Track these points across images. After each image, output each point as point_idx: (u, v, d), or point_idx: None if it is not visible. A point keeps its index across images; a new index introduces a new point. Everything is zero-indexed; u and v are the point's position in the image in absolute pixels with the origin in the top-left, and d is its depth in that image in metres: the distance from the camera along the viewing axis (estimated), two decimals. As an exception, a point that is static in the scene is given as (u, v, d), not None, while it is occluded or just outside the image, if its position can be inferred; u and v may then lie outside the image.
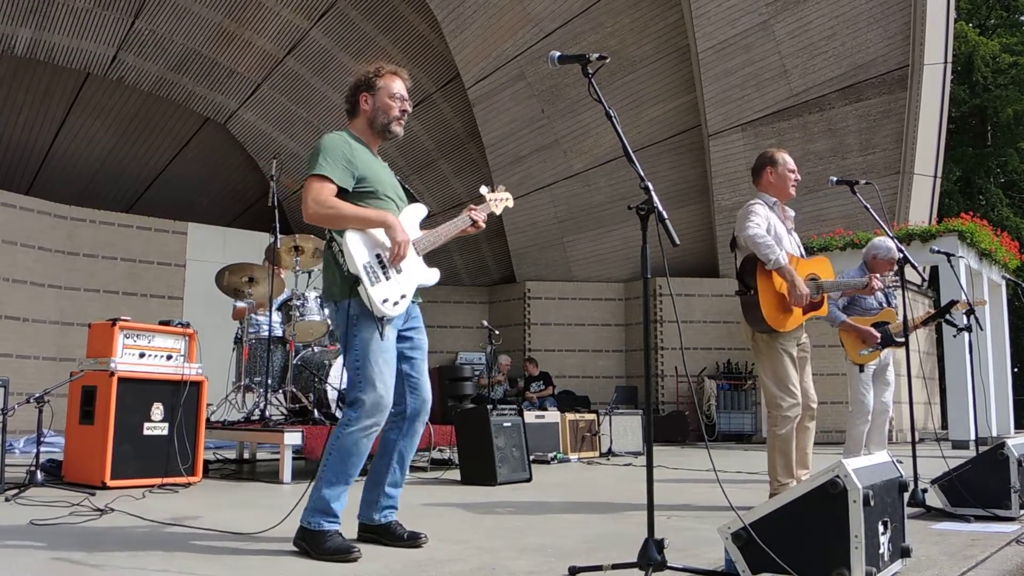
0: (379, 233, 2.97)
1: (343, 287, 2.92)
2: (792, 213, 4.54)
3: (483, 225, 3.31)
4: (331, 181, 2.91)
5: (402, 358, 3.07)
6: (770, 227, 4.22)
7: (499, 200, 3.53)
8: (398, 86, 3.13)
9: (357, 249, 2.91)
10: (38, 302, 10.43)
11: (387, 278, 2.96)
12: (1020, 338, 20.69)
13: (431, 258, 3.24)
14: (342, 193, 2.95)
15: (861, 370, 5.56)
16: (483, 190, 3.51)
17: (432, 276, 3.19)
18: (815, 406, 4.32)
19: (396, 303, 2.96)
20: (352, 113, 3.16)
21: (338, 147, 2.97)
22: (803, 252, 4.53)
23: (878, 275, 4.77)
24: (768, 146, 12.19)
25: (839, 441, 6.73)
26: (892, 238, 4.71)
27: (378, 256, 2.96)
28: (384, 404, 2.89)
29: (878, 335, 5.41)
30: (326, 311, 6.24)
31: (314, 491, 2.86)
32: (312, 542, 2.79)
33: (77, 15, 11.07)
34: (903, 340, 5.69)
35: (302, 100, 12.93)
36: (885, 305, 5.66)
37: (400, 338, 3.08)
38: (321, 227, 3.00)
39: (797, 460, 4.22)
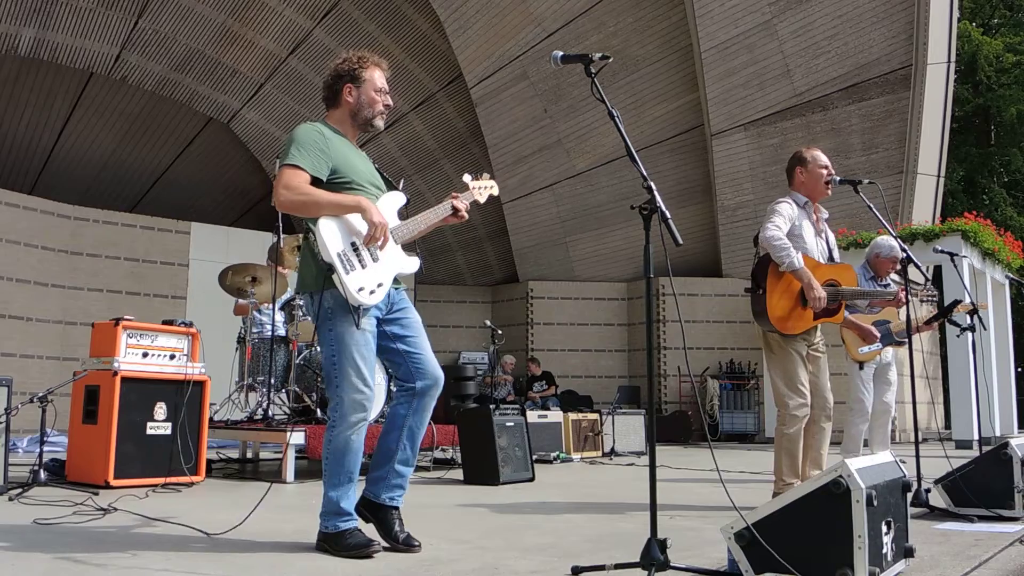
0: (355, 220, 2.89)
1: (318, 278, 2.87)
2: (826, 214, 4.50)
3: (466, 216, 3.23)
4: (303, 170, 2.88)
5: (397, 339, 3.01)
6: (794, 228, 4.21)
7: (482, 188, 3.40)
8: (382, 79, 3.11)
9: (331, 237, 2.85)
10: (41, 302, 10.44)
11: (363, 266, 2.88)
12: (1023, 338, 20.65)
13: (428, 253, 3.17)
14: (316, 183, 2.92)
15: (861, 368, 5.56)
16: (466, 178, 3.40)
17: (411, 264, 3.10)
18: (831, 407, 4.30)
19: (373, 292, 2.88)
20: (332, 102, 3.11)
21: (311, 137, 2.95)
22: (835, 255, 4.48)
23: (902, 288, 4.74)
24: (771, 146, 12.24)
25: (838, 441, 6.72)
26: (895, 238, 4.70)
27: (353, 244, 2.89)
28: (365, 398, 2.85)
29: (878, 333, 5.41)
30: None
31: (324, 496, 2.88)
32: (332, 543, 2.82)
33: (81, 14, 11.09)
34: (904, 340, 5.68)
35: (305, 100, 12.93)
36: None
37: (388, 323, 3.02)
38: (298, 216, 2.96)
39: (811, 460, 4.20)
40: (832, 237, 4.56)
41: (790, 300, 4.12)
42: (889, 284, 5.66)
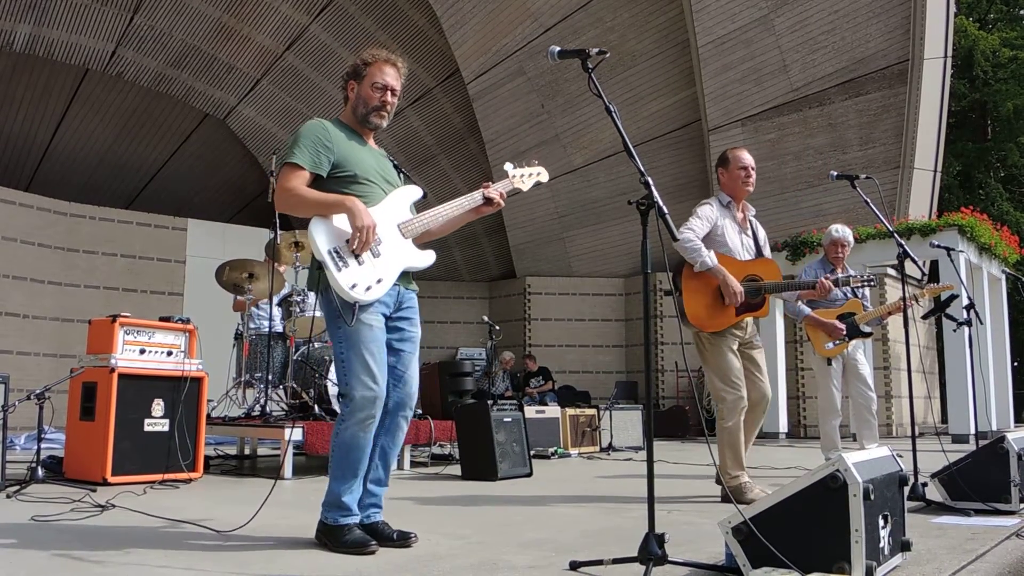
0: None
1: (321, 276, 2.86)
2: (753, 211, 4.56)
3: (501, 204, 3.13)
4: (302, 168, 2.87)
5: (389, 349, 2.97)
6: (715, 229, 4.31)
7: (528, 175, 3.29)
8: (383, 76, 3.03)
9: (322, 235, 2.82)
10: (38, 298, 10.43)
11: (359, 262, 2.83)
12: (1020, 332, 20.69)
13: (431, 248, 3.12)
14: (318, 180, 2.91)
15: (829, 363, 5.58)
16: (508, 166, 3.29)
17: (424, 259, 3.04)
18: (769, 399, 4.39)
19: (369, 288, 2.83)
20: (345, 100, 3.12)
21: (313, 133, 2.93)
22: (765, 251, 4.51)
23: (828, 276, 4.70)
24: (768, 141, 12.24)
25: (817, 436, 6.72)
26: (892, 233, 4.70)
27: (348, 241, 2.84)
28: (375, 394, 2.83)
29: (843, 327, 5.41)
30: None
31: (328, 487, 2.88)
32: (331, 537, 2.82)
33: (76, 11, 11.06)
34: (870, 330, 5.71)
35: (301, 95, 12.91)
36: (850, 296, 5.67)
37: (389, 328, 2.98)
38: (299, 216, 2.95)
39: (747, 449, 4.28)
40: (762, 233, 4.59)
41: (709, 298, 4.22)
42: (835, 269, 5.71)
